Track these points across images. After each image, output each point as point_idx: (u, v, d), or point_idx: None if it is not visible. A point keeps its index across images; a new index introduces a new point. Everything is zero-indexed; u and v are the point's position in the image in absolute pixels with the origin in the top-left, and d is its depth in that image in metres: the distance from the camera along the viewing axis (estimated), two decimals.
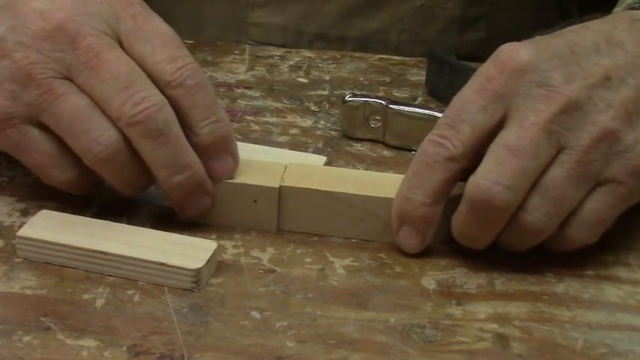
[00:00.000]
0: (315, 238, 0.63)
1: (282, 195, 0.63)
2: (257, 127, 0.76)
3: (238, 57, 0.86)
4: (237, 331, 0.55)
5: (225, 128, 0.62)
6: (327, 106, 0.79)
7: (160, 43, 0.61)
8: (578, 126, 0.59)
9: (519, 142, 0.58)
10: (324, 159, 0.70)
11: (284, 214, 0.63)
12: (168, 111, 0.60)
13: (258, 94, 0.80)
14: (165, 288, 0.58)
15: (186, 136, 0.61)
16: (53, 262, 0.59)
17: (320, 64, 0.86)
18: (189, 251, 0.59)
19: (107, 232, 0.60)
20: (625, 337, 0.57)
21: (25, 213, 0.64)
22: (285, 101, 0.80)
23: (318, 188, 0.63)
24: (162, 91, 0.60)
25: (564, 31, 0.63)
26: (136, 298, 0.57)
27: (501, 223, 0.59)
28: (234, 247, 0.62)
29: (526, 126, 0.58)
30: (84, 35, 0.60)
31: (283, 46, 0.91)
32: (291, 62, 0.86)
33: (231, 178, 0.62)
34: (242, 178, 0.63)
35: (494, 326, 0.57)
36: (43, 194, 0.66)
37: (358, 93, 0.76)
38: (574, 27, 0.63)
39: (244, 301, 0.58)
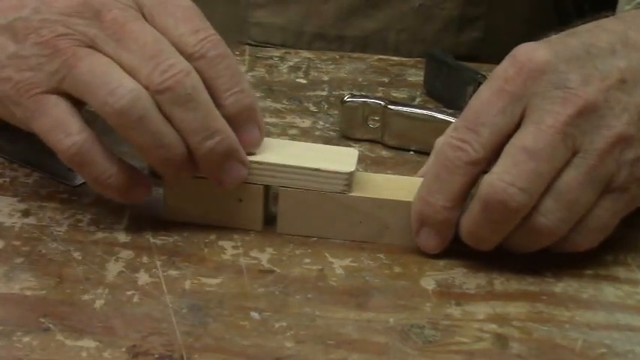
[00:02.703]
0: (314, 239, 0.63)
1: (280, 198, 0.63)
2: None
3: (238, 58, 0.86)
4: (237, 332, 0.55)
5: (250, 98, 0.62)
6: (326, 106, 0.79)
7: (183, 15, 0.61)
8: (594, 129, 0.59)
9: (536, 144, 0.58)
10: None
11: (283, 217, 0.64)
12: (196, 77, 0.60)
13: (257, 95, 0.80)
14: (165, 288, 0.58)
15: None
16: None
17: (319, 65, 0.86)
18: (336, 158, 0.63)
19: None
20: (624, 337, 0.57)
21: (27, 214, 0.64)
22: (285, 102, 0.80)
23: (317, 191, 0.63)
24: None
25: (579, 30, 0.63)
26: (135, 299, 0.57)
27: (513, 224, 0.59)
28: (234, 247, 0.62)
29: (543, 128, 0.58)
30: (109, 8, 0.60)
31: (283, 45, 0.91)
32: (291, 63, 0.86)
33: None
34: None
35: (494, 326, 0.57)
36: (44, 195, 0.66)
37: (357, 93, 0.76)
38: (588, 26, 0.63)
39: (243, 301, 0.58)
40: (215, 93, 0.61)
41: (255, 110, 0.62)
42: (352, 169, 0.62)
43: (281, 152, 0.64)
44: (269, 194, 0.64)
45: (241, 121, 0.61)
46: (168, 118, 0.59)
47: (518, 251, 0.61)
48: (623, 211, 0.61)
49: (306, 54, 0.88)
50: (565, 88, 0.59)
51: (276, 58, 0.87)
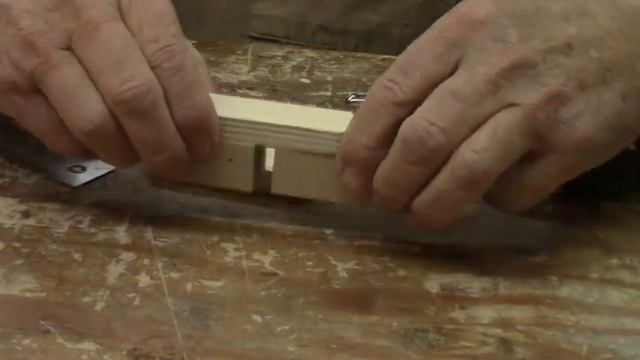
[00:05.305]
0: (318, 241, 0.63)
1: (275, 157, 0.63)
2: None
3: (241, 57, 0.85)
4: (239, 335, 0.55)
5: (199, 112, 0.61)
6: (330, 106, 0.79)
7: (149, 20, 0.61)
8: (528, 85, 0.58)
9: (464, 87, 0.58)
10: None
11: (277, 177, 0.63)
12: (156, 91, 0.59)
13: (260, 95, 0.80)
14: (166, 291, 0.58)
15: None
16: None
17: (323, 65, 0.85)
18: (329, 119, 0.63)
19: (241, 105, 0.64)
20: (630, 341, 0.56)
21: (27, 214, 0.64)
22: (288, 102, 0.79)
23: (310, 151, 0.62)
24: None
25: None
26: (136, 302, 0.57)
27: (429, 169, 0.58)
28: (236, 249, 0.62)
29: (474, 75, 0.58)
30: (87, 6, 0.60)
31: (286, 37, 0.91)
32: (294, 63, 0.86)
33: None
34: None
35: (498, 331, 0.57)
36: (44, 195, 0.66)
37: (361, 94, 0.76)
38: None
39: (245, 304, 0.58)
40: (168, 103, 0.60)
41: (205, 123, 0.61)
42: (345, 129, 0.61)
43: (274, 112, 0.63)
44: (262, 155, 0.64)
45: (190, 132, 0.61)
46: (122, 125, 0.60)
47: (451, 203, 0.58)
48: (561, 177, 0.60)
49: (309, 53, 0.87)
50: (503, 42, 0.58)
51: (280, 58, 0.86)
